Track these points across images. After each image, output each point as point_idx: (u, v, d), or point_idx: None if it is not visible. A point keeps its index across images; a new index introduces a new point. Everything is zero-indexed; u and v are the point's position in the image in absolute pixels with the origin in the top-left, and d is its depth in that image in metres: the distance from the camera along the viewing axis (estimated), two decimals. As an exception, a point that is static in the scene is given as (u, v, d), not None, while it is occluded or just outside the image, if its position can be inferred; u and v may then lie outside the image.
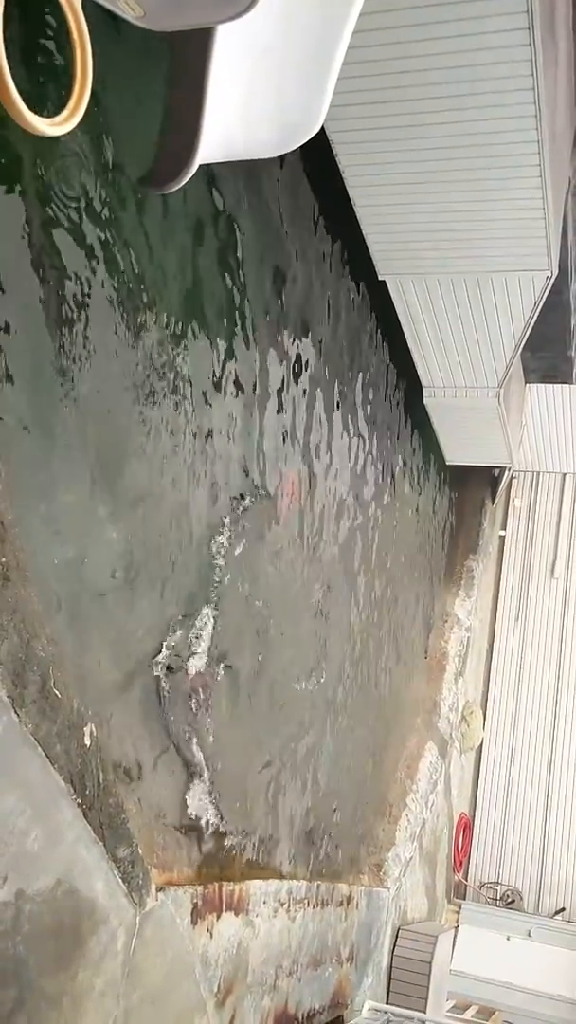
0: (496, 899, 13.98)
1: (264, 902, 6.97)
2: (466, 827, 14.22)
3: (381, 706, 10.69)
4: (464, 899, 13.68)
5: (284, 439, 7.62)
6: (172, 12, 1.77)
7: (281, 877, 7.68)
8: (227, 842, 6.85)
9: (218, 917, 6.21)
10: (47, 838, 4.37)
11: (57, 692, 4.40)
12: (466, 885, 14.04)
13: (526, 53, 5.81)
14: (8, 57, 1.46)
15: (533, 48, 5.76)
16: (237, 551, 6.79)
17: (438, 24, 5.74)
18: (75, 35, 1.69)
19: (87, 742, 4.68)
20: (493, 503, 14.60)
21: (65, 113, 1.68)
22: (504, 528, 15.39)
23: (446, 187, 7.20)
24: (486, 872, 14.28)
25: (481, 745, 14.63)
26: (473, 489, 14.30)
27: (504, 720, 14.85)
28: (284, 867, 7.89)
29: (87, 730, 4.69)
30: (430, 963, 10.31)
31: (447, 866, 13.36)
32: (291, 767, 8.07)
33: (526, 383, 12.08)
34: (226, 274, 6.52)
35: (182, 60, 2.19)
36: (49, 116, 1.69)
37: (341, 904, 8.79)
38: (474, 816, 14.57)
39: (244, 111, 2.48)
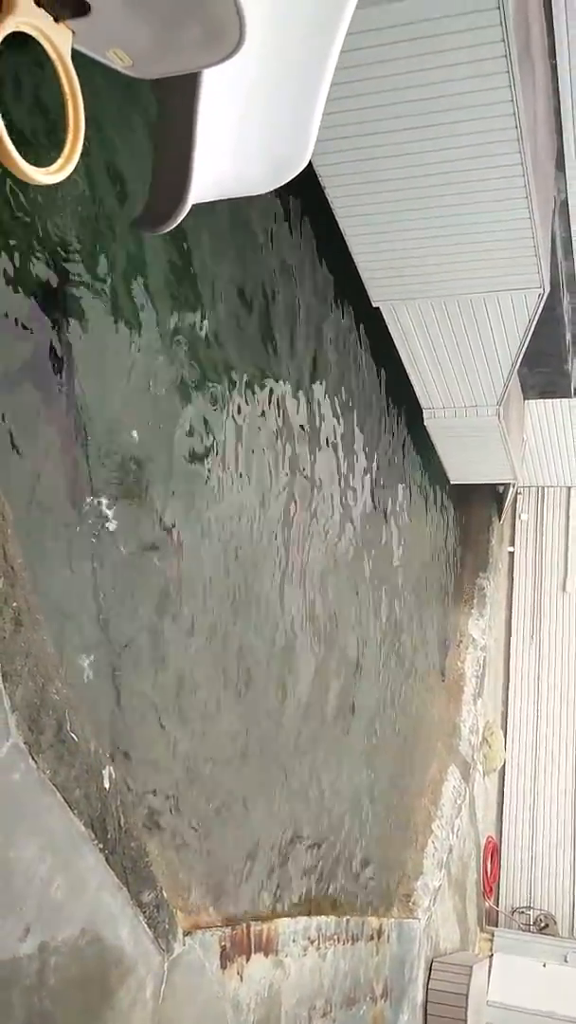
0: (529, 924, 13.75)
1: (293, 941, 6.86)
2: (494, 851, 14.03)
3: (401, 732, 10.60)
4: (497, 926, 13.46)
5: (282, 466, 7.64)
6: (160, 60, 1.80)
7: (309, 913, 7.57)
8: (256, 874, 6.77)
9: (248, 959, 6.11)
10: (70, 886, 4.31)
11: (74, 735, 4.37)
12: (498, 911, 13.82)
13: (505, 80, 5.90)
14: (2, 109, 1.48)
15: (511, 75, 5.85)
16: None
17: (419, 57, 5.84)
18: (66, 87, 1.71)
19: (106, 785, 4.63)
20: (500, 520, 14.59)
21: (60, 162, 1.71)
22: (512, 544, 15.36)
23: (434, 213, 7.28)
24: (517, 897, 14.07)
25: (503, 766, 14.48)
26: (478, 507, 14.30)
27: (525, 739, 14.71)
28: (311, 903, 7.78)
29: (105, 772, 4.65)
30: (466, 995, 10.12)
31: (477, 893, 13.17)
32: (312, 799, 7.99)
33: (525, 399, 12.12)
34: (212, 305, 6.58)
35: (170, 102, 2.22)
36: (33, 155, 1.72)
37: (372, 938, 8.65)
38: (501, 839, 14.39)
39: (234, 149, 2.51)
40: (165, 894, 5.16)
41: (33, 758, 4.04)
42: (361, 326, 9.27)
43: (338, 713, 8.65)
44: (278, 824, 7.30)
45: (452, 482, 12.16)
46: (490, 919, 13.57)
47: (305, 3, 2.21)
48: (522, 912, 13.89)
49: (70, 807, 4.30)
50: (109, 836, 4.60)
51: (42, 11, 1.62)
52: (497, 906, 13.88)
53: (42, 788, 4.12)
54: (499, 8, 5.43)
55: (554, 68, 7.01)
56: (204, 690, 6.19)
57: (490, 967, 12.15)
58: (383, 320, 8.98)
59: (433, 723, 12.03)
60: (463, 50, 5.75)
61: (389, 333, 9.14)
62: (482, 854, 13.49)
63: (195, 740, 6.05)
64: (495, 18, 5.49)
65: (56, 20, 1.65)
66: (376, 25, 5.67)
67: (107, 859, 4.57)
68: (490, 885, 13.75)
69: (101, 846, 4.52)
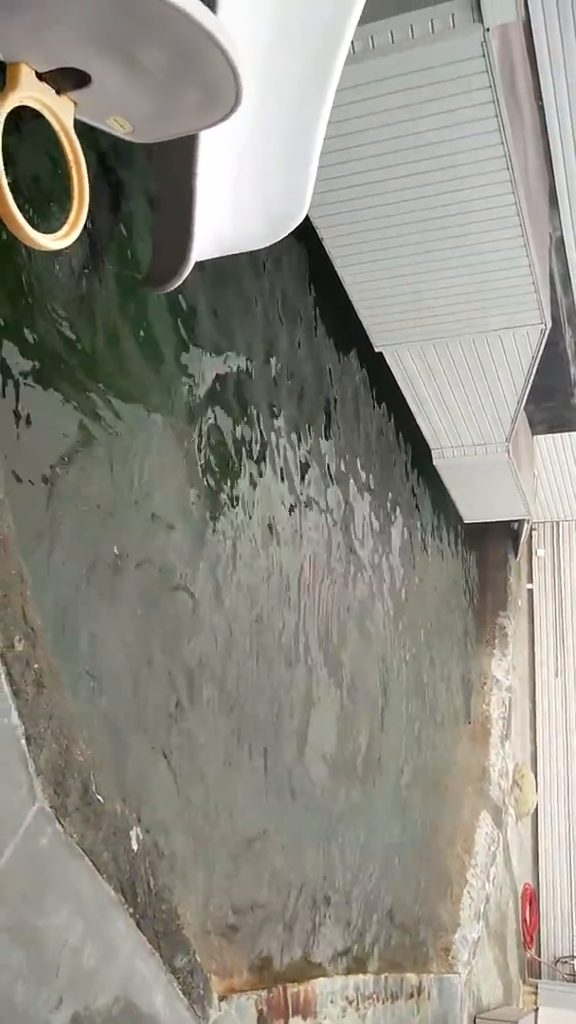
0: (573, 974, 13.32)
1: (331, 1001, 6.67)
2: (532, 899, 13.66)
3: (429, 779, 10.42)
4: (540, 977, 13.03)
5: (294, 511, 7.64)
6: (159, 124, 1.85)
7: (346, 972, 7.37)
8: (288, 933, 6.61)
9: (286, 1022, 5.93)
10: (102, 953, 4.22)
11: (99, 797, 4.31)
12: (539, 962, 13.40)
13: (494, 124, 6.03)
14: (8, 176, 1.53)
15: (500, 119, 5.98)
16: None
17: (408, 107, 5.98)
18: (70, 156, 1.76)
19: (134, 846, 4.56)
20: (516, 556, 14.49)
21: (66, 228, 1.75)
22: (531, 581, 15.24)
23: (431, 257, 7.38)
24: (559, 946, 13.65)
25: (536, 809, 14.17)
26: (494, 544, 14.22)
27: (557, 781, 14.41)
28: (347, 961, 7.58)
29: (133, 834, 4.58)
30: (513, 1050, 9.78)
31: (517, 943, 12.80)
32: (343, 854, 7.83)
33: (533, 435, 12.13)
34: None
35: (169, 163, 2.27)
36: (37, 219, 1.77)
37: (412, 996, 8.40)
38: (538, 886, 14.01)
39: (232, 206, 2.56)
40: (198, 957, 5.04)
41: (60, 822, 3.99)
42: (367, 368, 9.34)
43: (364, 763, 8.52)
44: (310, 881, 7.14)
45: (466, 521, 12.12)
46: (532, 970, 13.15)
47: (297, 62, 2.27)
48: (565, 962, 13.46)
49: (99, 871, 4.23)
50: (139, 900, 4.51)
51: (45, 85, 1.68)
52: (539, 956, 13.47)
53: (70, 852, 4.06)
54: (484, 56, 5.57)
55: (541, 109, 7.14)
56: (225, 746, 6.12)
57: (536, 1021, 11.74)
58: (385, 361, 9.05)
59: (461, 768, 11.83)
60: (451, 98, 5.89)
61: (391, 373, 9.20)
62: (520, 902, 13.13)
63: (221, 795, 5.97)
64: (481, 65, 5.63)
65: (58, 93, 1.70)
66: (366, 79, 5.82)
67: (138, 923, 4.48)
68: (530, 934, 13.35)
69: (132, 910, 4.44)
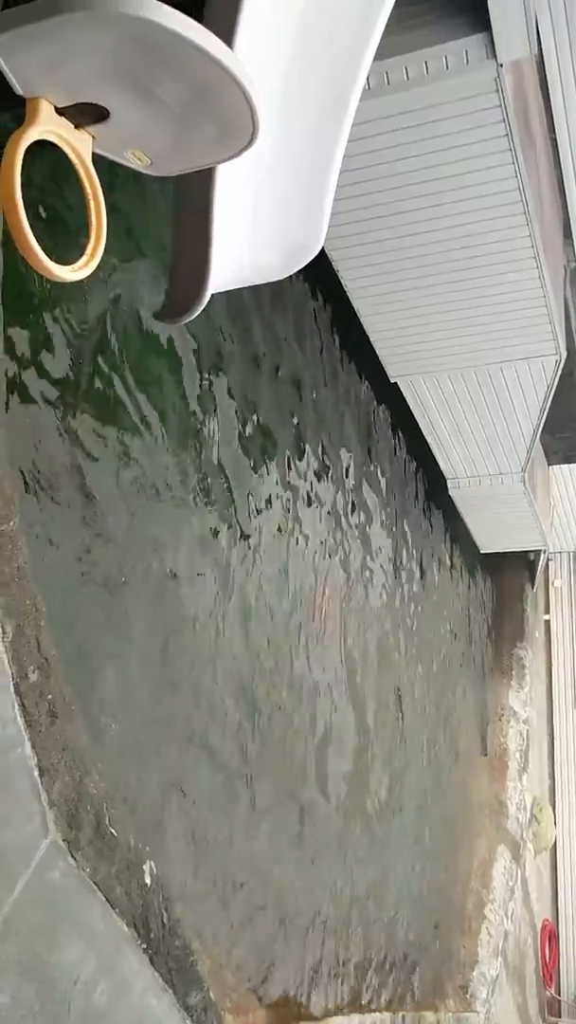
0: (595, 1013, 13.02)
1: (348, 1040, 6.54)
2: (551, 935, 13.38)
3: (447, 813, 10.28)
4: (560, 1016, 12.74)
5: (311, 540, 7.62)
6: (177, 157, 1.88)
7: (362, 1010, 7.22)
8: (303, 971, 6.49)
9: (301, 1061, 5.82)
10: (114, 990, 4.15)
11: (113, 830, 4.27)
12: (560, 1001, 13.10)
13: (508, 157, 6.08)
14: (26, 209, 1.55)
15: (514, 152, 6.03)
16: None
17: (423, 141, 6.05)
18: (88, 189, 1.78)
19: (147, 881, 4.50)
20: (533, 587, 14.39)
21: (84, 259, 1.76)
22: (548, 612, 15.11)
23: (447, 289, 7.42)
24: (580, 984, 13.37)
25: (555, 844, 13.93)
26: (511, 575, 14.13)
27: None
28: (363, 998, 7.43)
29: (146, 868, 4.53)
30: None
31: (537, 981, 12.52)
32: (360, 888, 7.71)
33: (549, 465, 12.10)
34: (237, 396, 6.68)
35: (186, 195, 2.30)
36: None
37: (429, 1034, 8.23)
38: (558, 922, 13.74)
39: (249, 238, 2.58)
40: (212, 995, 4.95)
41: (72, 855, 3.94)
42: (383, 397, 9.36)
43: (380, 797, 8.41)
44: (326, 916, 7.03)
45: (482, 551, 12.06)
46: (552, 1010, 12.86)
47: (314, 97, 2.30)
48: (586, 1001, 13.17)
49: (112, 905, 4.17)
50: (152, 935, 4.45)
51: (63, 119, 1.70)
52: (559, 995, 13.17)
53: (82, 887, 4.01)
54: (498, 91, 5.62)
55: (555, 143, 7.20)
56: (242, 779, 6.06)
57: (557, 1062, 11.46)
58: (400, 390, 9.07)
59: (478, 802, 11.66)
60: (466, 132, 5.95)
61: (406, 403, 9.21)
62: (539, 939, 12.87)
63: (241, 836, 5.90)
64: (495, 100, 5.68)
65: (77, 127, 1.73)
66: (381, 114, 5.89)
67: (151, 960, 4.41)
68: (549, 972, 13.07)
69: (145, 946, 4.37)
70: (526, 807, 12.86)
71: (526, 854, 12.54)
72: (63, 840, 3.89)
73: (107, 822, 4.23)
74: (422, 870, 9.25)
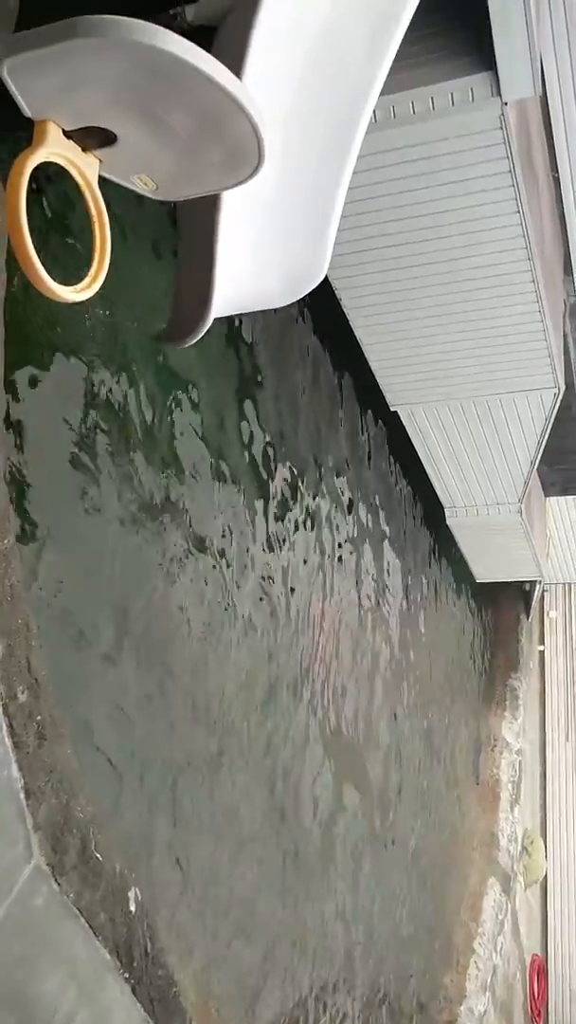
0: (582, 1053, 12.82)
1: (332, 1075, 6.42)
2: (540, 971, 13.20)
3: (436, 844, 10.18)
4: (547, 1055, 12.57)
5: (305, 564, 7.60)
6: (183, 183, 1.89)
7: (347, 1045, 7.11)
8: (288, 1005, 6.39)
9: None
10: (94, 1020, 4.08)
11: (98, 855, 4.21)
12: (547, 1039, 12.92)
13: (511, 193, 6.14)
14: (31, 230, 1.55)
15: (517, 188, 6.09)
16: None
17: (428, 175, 6.10)
18: (93, 212, 1.79)
19: (132, 908, 4.44)
20: (528, 618, 14.36)
21: (87, 280, 1.77)
22: (542, 643, 15.07)
23: (448, 320, 7.46)
24: (569, 1021, 13.16)
25: (545, 877, 13.79)
26: (506, 605, 14.11)
27: (568, 847, 14.06)
28: (349, 1033, 7.32)
29: (131, 895, 4.46)
30: None
31: (526, 1017, 12.34)
32: (347, 918, 7.61)
33: (546, 496, 12.12)
34: (244, 418, 6.69)
35: (191, 220, 2.31)
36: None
37: (415, 1071, 8.09)
38: (547, 957, 13.57)
39: (252, 265, 2.59)
40: (194, 1027, 4.87)
41: (56, 880, 3.88)
42: (382, 426, 9.38)
43: (371, 827, 8.33)
44: (313, 949, 6.94)
45: (478, 581, 12.05)
46: (540, 1048, 12.68)
47: (319, 125, 2.32)
48: (574, 1040, 12.97)
49: (95, 933, 4.10)
50: (135, 964, 4.37)
51: (71, 142, 1.71)
52: (547, 1033, 12.99)
53: (65, 913, 3.94)
54: (502, 128, 5.69)
55: (557, 180, 7.28)
56: (232, 806, 6.00)
57: None
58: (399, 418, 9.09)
59: (469, 833, 11.55)
60: (470, 167, 6.01)
61: (405, 431, 9.23)
62: (528, 975, 12.69)
63: (229, 864, 5.83)
64: (499, 137, 5.75)
65: (84, 150, 1.74)
66: (387, 147, 5.95)
67: (133, 989, 4.33)
68: (538, 1009, 12.88)
69: (127, 975, 4.30)
70: (517, 839, 12.74)
71: (516, 887, 12.41)
72: (47, 865, 3.83)
73: (93, 847, 4.17)
74: (411, 902, 9.14)
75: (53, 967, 3.85)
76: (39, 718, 3.92)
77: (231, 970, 5.78)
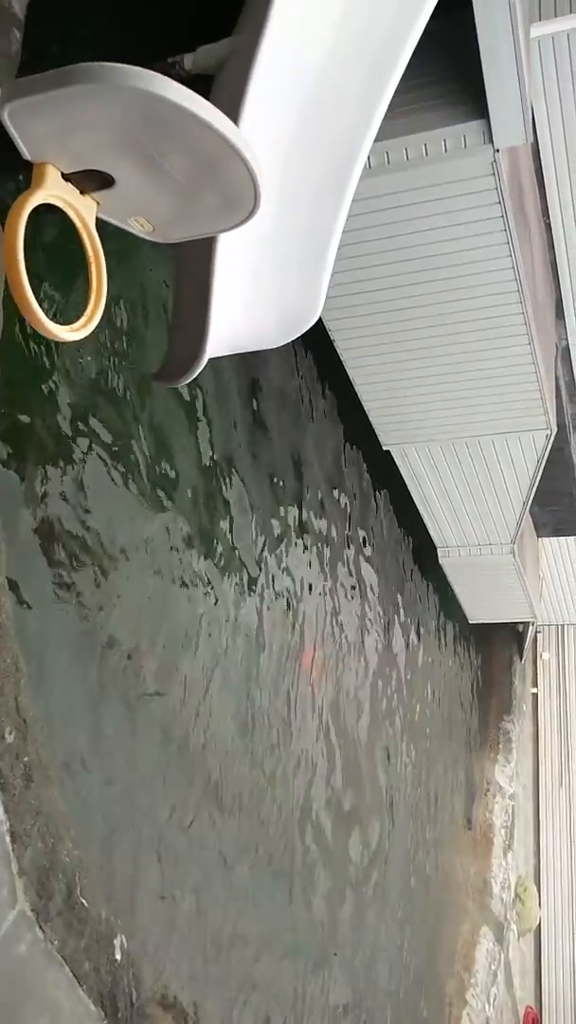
0: None
1: None
2: (534, 1022, 12.92)
3: (429, 890, 10.01)
4: None
5: (290, 608, 7.57)
6: (180, 226, 1.91)
7: None
8: (275, 1062, 6.23)
9: None
10: (77, 1075, 3.96)
11: (84, 901, 4.12)
12: None
13: (503, 238, 6.24)
14: (28, 271, 1.56)
15: (509, 233, 6.19)
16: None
17: (421, 219, 6.21)
18: (90, 252, 1.81)
19: (117, 956, 4.33)
20: (521, 659, 14.29)
21: (83, 320, 1.78)
22: (535, 685, 14.98)
23: (441, 362, 7.53)
24: (563, 1076, 12.87)
25: (539, 926, 13.55)
26: (499, 646, 14.05)
27: (561, 895, 13.85)
28: None
29: (117, 942, 4.36)
30: None
31: (518, 1072, 12.05)
32: (338, 968, 7.45)
33: (538, 537, 12.13)
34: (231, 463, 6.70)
35: (187, 261, 2.33)
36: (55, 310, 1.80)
37: None
38: (541, 1009, 13.28)
39: (248, 306, 2.61)
40: None
41: (41, 927, 3.79)
42: (375, 465, 9.41)
43: (364, 875, 8.20)
44: (305, 997, 6.78)
45: (470, 621, 12.00)
46: None
47: (315, 170, 2.36)
48: None
49: (79, 982, 4.00)
50: (120, 1015, 4.26)
51: (69, 185, 1.73)
52: None
53: (49, 961, 3.84)
54: (494, 175, 5.79)
55: (548, 226, 7.39)
56: (223, 853, 5.90)
57: None
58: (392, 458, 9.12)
59: (462, 879, 11.37)
60: (462, 212, 6.11)
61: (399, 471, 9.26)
62: (522, 1027, 12.43)
63: (218, 913, 5.71)
64: (491, 183, 5.85)
65: (82, 192, 1.76)
66: (381, 192, 6.05)
67: (117, 1041, 4.22)
68: (532, 1063, 12.60)
69: (111, 1026, 4.18)
70: (510, 886, 12.54)
71: (509, 936, 12.18)
72: (32, 911, 3.74)
73: (78, 892, 4.08)
74: (403, 951, 8.97)
75: (35, 1017, 3.74)
76: (26, 760, 3.86)
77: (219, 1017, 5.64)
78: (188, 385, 5.44)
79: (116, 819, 4.87)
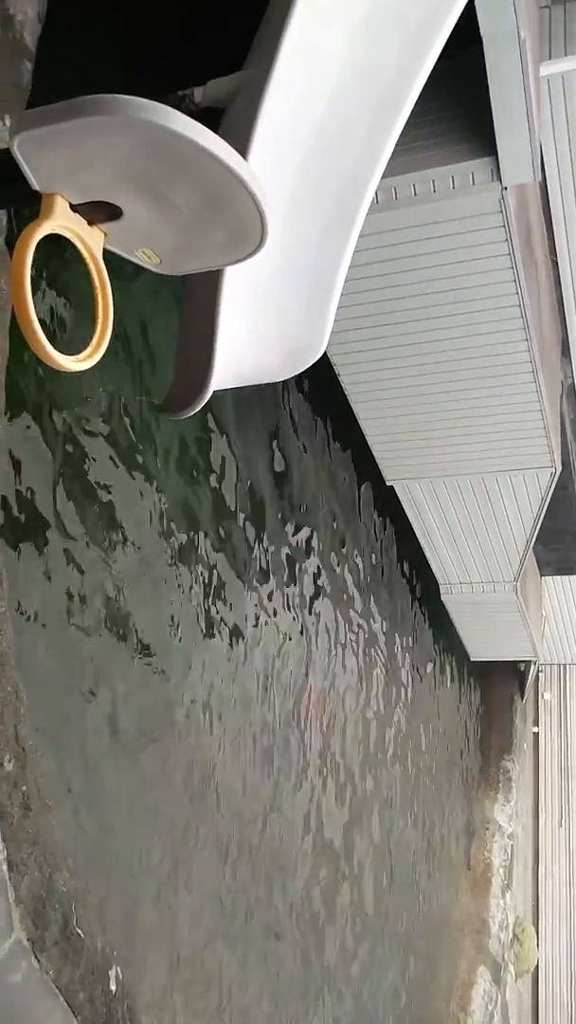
0: None
1: None
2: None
3: (425, 928, 9.85)
4: None
5: (292, 641, 7.53)
6: (186, 258, 1.93)
7: None
8: None
9: None
10: None
11: (80, 931, 4.06)
12: None
13: (510, 275, 6.28)
14: (34, 300, 1.58)
15: (515, 271, 6.24)
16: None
17: (428, 255, 6.26)
18: (96, 283, 1.82)
19: (112, 987, 4.26)
20: (523, 698, 14.17)
21: (88, 351, 1.79)
22: (536, 724, 14.84)
23: (446, 399, 7.56)
24: None
25: (537, 967, 13.30)
26: (500, 685, 13.95)
27: (560, 936, 13.61)
28: None
29: (113, 973, 4.29)
30: None
31: None
32: (333, 1007, 7.32)
33: (541, 575, 12.09)
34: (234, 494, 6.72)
35: (194, 293, 2.35)
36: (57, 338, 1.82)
37: None
38: (540, 1056, 13.01)
39: (253, 339, 2.63)
40: None
41: (36, 957, 3.74)
42: (378, 500, 9.42)
43: (360, 915, 8.08)
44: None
45: (472, 659, 11.93)
46: None
47: (322, 205, 2.38)
48: None
49: (74, 1013, 3.93)
50: (111, 1050, 4.19)
51: (77, 216, 1.75)
52: None
53: (44, 991, 3.78)
54: (502, 212, 5.85)
55: (555, 265, 7.46)
56: (219, 885, 5.83)
57: None
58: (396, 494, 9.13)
59: (459, 919, 11.19)
60: (469, 249, 6.16)
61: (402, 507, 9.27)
62: (520, 1075, 12.15)
63: (216, 948, 5.63)
64: (498, 221, 5.91)
65: (90, 224, 1.78)
66: (388, 227, 6.11)
67: (108, 1078, 4.14)
68: None
69: (103, 1062, 4.11)
70: (509, 926, 12.34)
71: (507, 977, 11.96)
72: (28, 940, 3.70)
73: (75, 922, 4.03)
74: (400, 990, 8.80)
75: (25, 1051, 3.68)
76: (24, 788, 3.83)
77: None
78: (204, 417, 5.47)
79: (116, 849, 4.82)
